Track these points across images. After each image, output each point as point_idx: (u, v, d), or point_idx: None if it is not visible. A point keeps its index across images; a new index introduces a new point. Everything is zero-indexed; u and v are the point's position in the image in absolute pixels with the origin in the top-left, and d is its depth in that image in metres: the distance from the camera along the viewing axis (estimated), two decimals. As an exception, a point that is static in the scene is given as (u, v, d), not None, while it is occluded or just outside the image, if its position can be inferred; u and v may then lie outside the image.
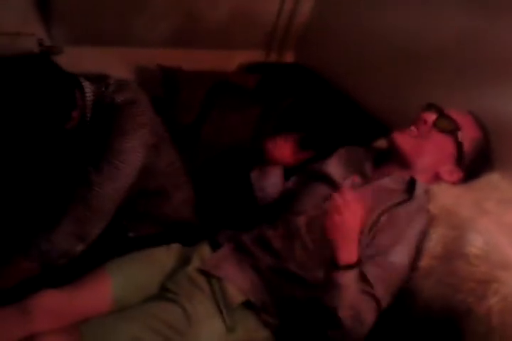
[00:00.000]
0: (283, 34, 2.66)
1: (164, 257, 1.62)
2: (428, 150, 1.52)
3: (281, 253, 1.50)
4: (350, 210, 1.28)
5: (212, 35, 2.48)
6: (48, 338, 1.34)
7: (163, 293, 1.50)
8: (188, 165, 1.98)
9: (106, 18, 2.24)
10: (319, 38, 2.58)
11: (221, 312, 1.45)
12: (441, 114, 1.54)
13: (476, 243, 1.35)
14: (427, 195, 1.51)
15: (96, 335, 1.35)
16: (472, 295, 1.30)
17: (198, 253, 1.59)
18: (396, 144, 1.55)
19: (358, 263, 1.31)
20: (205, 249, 1.62)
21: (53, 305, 1.40)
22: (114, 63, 2.31)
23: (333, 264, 1.31)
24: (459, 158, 1.53)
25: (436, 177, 1.55)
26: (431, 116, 1.54)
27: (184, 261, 1.59)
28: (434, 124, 1.53)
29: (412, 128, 1.55)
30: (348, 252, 1.30)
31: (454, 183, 1.55)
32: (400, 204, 1.48)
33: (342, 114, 2.16)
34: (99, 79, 1.63)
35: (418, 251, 1.44)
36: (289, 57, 2.77)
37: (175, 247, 1.67)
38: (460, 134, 1.52)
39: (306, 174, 1.76)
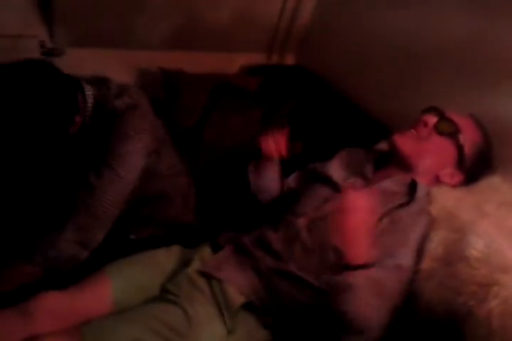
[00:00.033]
0: (284, 36, 2.67)
1: (165, 259, 1.63)
2: (429, 153, 1.53)
3: (282, 254, 1.50)
4: (357, 210, 1.27)
5: (213, 37, 2.48)
6: (49, 340, 1.34)
7: (164, 294, 1.50)
8: (190, 168, 1.98)
9: (107, 21, 2.25)
10: (320, 40, 2.59)
11: (222, 314, 1.45)
12: (442, 117, 1.54)
13: (476, 246, 1.34)
14: (428, 198, 1.51)
15: (97, 337, 1.35)
16: (473, 298, 1.29)
17: (198, 255, 1.59)
18: (396, 146, 1.55)
19: (369, 264, 1.30)
20: (205, 251, 1.62)
21: (54, 307, 1.41)
22: (116, 65, 2.31)
23: (343, 265, 1.30)
24: (460, 161, 1.53)
25: (437, 180, 1.55)
26: (432, 119, 1.54)
27: (185, 262, 1.59)
28: (435, 127, 1.53)
29: (413, 130, 1.55)
30: (357, 252, 1.29)
31: (454, 186, 1.55)
32: (401, 206, 1.48)
33: (343, 116, 2.16)
34: (100, 83, 1.64)
35: (419, 254, 1.44)
36: (290, 60, 2.77)
37: (175, 249, 1.67)
38: (461, 137, 1.52)
39: (307, 174, 1.77)
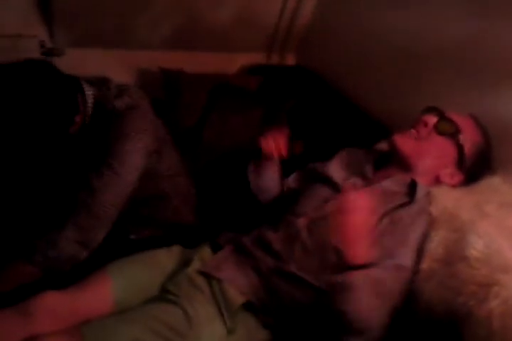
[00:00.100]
0: (284, 36, 2.67)
1: (165, 259, 1.62)
2: (429, 153, 1.53)
3: (282, 254, 1.50)
4: (357, 209, 1.27)
5: (213, 37, 2.49)
6: (49, 339, 1.34)
7: (164, 294, 1.50)
8: (190, 168, 1.98)
9: (107, 21, 2.25)
10: (321, 40, 2.59)
11: (222, 314, 1.45)
12: (443, 117, 1.54)
13: (476, 246, 1.34)
14: (428, 198, 1.51)
15: (97, 337, 1.35)
16: (473, 298, 1.29)
17: (198, 255, 1.59)
18: (396, 146, 1.55)
19: (369, 264, 1.30)
20: (205, 251, 1.62)
21: (55, 307, 1.41)
22: (116, 65, 2.31)
23: (343, 265, 1.30)
24: (460, 161, 1.53)
25: (437, 180, 1.55)
26: (432, 119, 1.54)
27: (185, 262, 1.59)
28: (435, 127, 1.53)
29: (413, 130, 1.55)
30: (357, 252, 1.29)
31: (454, 186, 1.55)
32: (401, 206, 1.48)
33: (343, 115, 2.16)
34: (100, 83, 1.64)
35: (419, 254, 1.44)
36: (290, 60, 2.77)
37: (175, 249, 1.67)
38: (461, 137, 1.52)
39: (307, 174, 1.77)
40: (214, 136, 2.27)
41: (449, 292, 1.36)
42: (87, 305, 1.47)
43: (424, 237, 1.45)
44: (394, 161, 1.58)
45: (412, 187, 1.51)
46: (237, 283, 1.50)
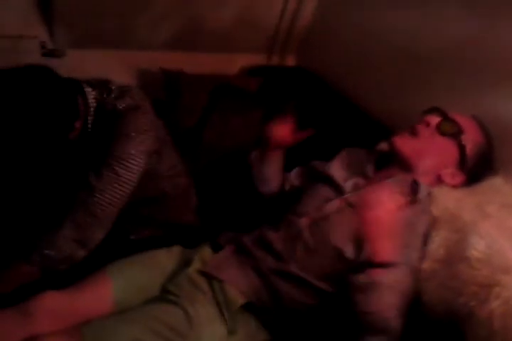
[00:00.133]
0: (285, 37, 2.67)
1: (165, 259, 1.62)
2: (430, 153, 1.53)
3: (283, 254, 1.50)
4: (383, 206, 1.27)
5: (214, 38, 2.48)
6: (49, 339, 1.34)
7: (164, 295, 1.50)
8: (190, 168, 1.98)
9: (108, 21, 2.25)
10: (321, 42, 2.59)
11: (222, 314, 1.45)
12: (445, 118, 1.54)
13: (478, 246, 1.34)
14: (429, 198, 1.51)
15: (97, 337, 1.35)
16: (474, 298, 1.30)
17: (199, 255, 1.59)
18: (396, 148, 1.55)
19: (393, 262, 1.30)
20: (206, 251, 1.62)
21: (54, 307, 1.41)
22: (117, 66, 2.31)
23: (369, 263, 1.30)
24: (462, 162, 1.53)
25: (438, 180, 1.55)
26: (434, 119, 1.54)
27: (185, 263, 1.59)
28: (438, 127, 1.53)
29: (413, 130, 1.55)
30: (386, 249, 1.29)
31: (455, 186, 1.55)
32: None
33: (344, 116, 2.16)
34: (101, 85, 1.63)
35: (421, 254, 1.44)
36: (290, 61, 2.77)
37: (176, 249, 1.67)
38: (463, 138, 1.52)
39: (309, 172, 1.77)
40: (214, 137, 2.27)
41: (450, 292, 1.36)
42: (87, 305, 1.47)
43: (426, 237, 1.45)
44: (395, 162, 1.58)
45: (414, 187, 1.51)
46: (238, 283, 1.50)
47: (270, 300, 1.49)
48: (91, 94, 1.59)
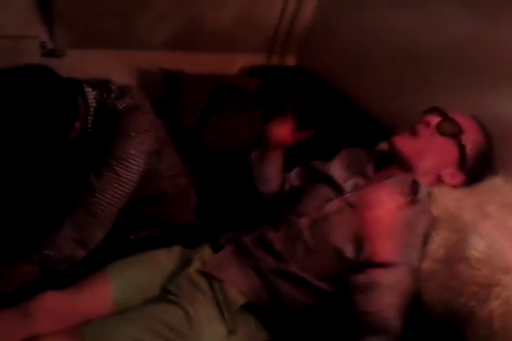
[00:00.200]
0: (285, 37, 2.67)
1: (165, 259, 1.62)
2: (430, 153, 1.53)
3: (283, 254, 1.50)
4: (383, 206, 1.26)
5: (214, 38, 2.48)
6: (49, 339, 1.34)
7: (164, 295, 1.50)
8: (190, 169, 1.98)
9: (108, 21, 2.25)
10: (321, 42, 2.59)
11: (222, 314, 1.45)
12: (445, 118, 1.54)
13: (478, 246, 1.34)
14: (429, 198, 1.50)
15: (97, 337, 1.35)
16: (474, 298, 1.30)
17: (199, 255, 1.59)
18: (396, 148, 1.55)
19: (393, 262, 1.30)
20: (206, 251, 1.62)
21: (54, 307, 1.41)
22: (117, 66, 2.31)
23: (369, 263, 1.30)
24: (462, 162, 1.53)
25: (438, 180, 1.55)
26: (434, 119, 1.54)
27: (185, 263, 1.59)
28: (438, 127, 1.53)
29: (413, 130, 1.55)
30: (387, 249, 1.29)
31: (455, 186, 1.54)
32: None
33: (344, 116, 2.16)
34: (101, 85, 1.63)
35: (421, 254, 1.43)
36: (290, 61, 2.77)
37: (176, 249, 1.67)
38: (463, 138, 1.52)
39: (309, 172, 1.77)
40: (214, 137, 2.27)
41: (450, 292, 1.36)
42: (87, 305, 1.47)
43: (426, 237, 1.45)
44: (395, 162, 1.58)
45: (414, 187, 1.51)
46: (238, 283, 1.50)
47: (270, 300, 1.49)
48: (91, 94, 1.59)
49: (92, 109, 1.59)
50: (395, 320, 1.30)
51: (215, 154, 2.25)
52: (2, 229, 1.73)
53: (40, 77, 1.47)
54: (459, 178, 1.55)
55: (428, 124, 1.54)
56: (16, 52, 2.14)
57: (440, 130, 1.53)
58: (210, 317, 1.44)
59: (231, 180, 2.09)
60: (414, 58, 2.02)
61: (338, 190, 1.57)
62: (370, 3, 2.27)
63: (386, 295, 1.29)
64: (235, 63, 2.62)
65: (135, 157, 1.57)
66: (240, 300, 1.47)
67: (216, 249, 1.62)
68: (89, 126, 1.60)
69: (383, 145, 1.73)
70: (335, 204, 1.53)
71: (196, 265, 1.55)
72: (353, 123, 2.11)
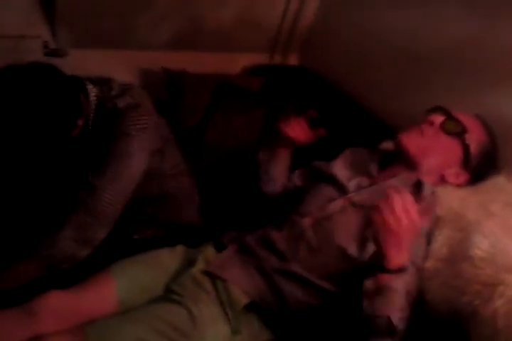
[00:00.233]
0: (287, 37, 2.67)
1: (168, 259, 1.63)
2: (434, 152, 1.52)
3: (286, 254, 1.50)
4: (409, 216, 1.24)
5: (216, 37, 2.48)
6: (53, 339, 1.34)
7: (168, 294, 1.50)
8: (193, 168, 1.98)
9: (110, 21, 2.25)
10: (323, 41, 2.59)
11: (226, 314, 1.45)
12: (449, 117, 1.54)
13: (481, 245, 1.34)
14: (433, 197, 1.50)
15: (100, 336, 1.35)
16: (478, 297, 1.29)
17: (202, 255, 1.59)
18: (402, 145, 1.55)
19: (406, 267, 1.29)
20: (209, 251, 1.62)
21: (59, 306, 1.41)
22: (119, 66, 2.31)
23: (380, 268, 1.29)
24: (466, 161, 1.53)
25: (442, 180, 1.55)
26: (438, 119, 1.54)
27: (189, 262, 1.59)
28: (442, 126, 1.53)
29: (418, 129, 1.55)
30: (400, 256, 1.27)
31: (459, 186, 1.54)
32: None
33: (346, 116, 2.16)
34: (103, 83, 1.63)
35: (424, 253, 1.43)
36: (293, 60, 2.77)
37: (179, 249, 1.67)
38: (467, 137, 1.52)
39: (311, 172, 1.77)
40: (217, 137, 2.27)
41: (453, 291, 1.36)
42: (91, 305, 1.48)
43: (429, 236, 1.45)
44: (399, 160, 1.58)
45: (418, 186, 1.51)
46: (241, 283, 1.50)
47: (273, 299, 1.49)
48: (92, 91, 1.59)
49: (93, 106, 1.58)
50: (401, 323, 1.30)
51: (218, 154, 2.25)
52: (5, 227, 1.73)
53: (43, 74, 1.47)
54: (463, 177, 1.55)
55: (432, 123, 1.54)
56: (19, 52, 2.14)
57: (444, 129, 1.52)
58: (214, 317, 1.44)
59: (234, 179, 2.09)
60: (415, 58, 2.02)
61: (342, 189, 1.57)
62: (371, 4, 2.27)
63: (394, 299, 1.29)
64: (237, 63, 2.62)
65: (135, 156, 1.56)
66: (243, 300, 1.47)
67: (219, 248, 1.62)
68: (90, 123, 1.60)
69: (387, 145, 1.73)
70: (338, 203, 1.53)
71: (200, 265, 1.55)
72: (356, 122, 2.11)
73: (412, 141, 1.53)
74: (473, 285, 1.31)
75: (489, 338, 1.24)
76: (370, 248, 1.40)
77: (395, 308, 1.29)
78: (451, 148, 1.53)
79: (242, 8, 2.42)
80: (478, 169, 1.55)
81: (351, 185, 1.57)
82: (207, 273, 1.53)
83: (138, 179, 1.60)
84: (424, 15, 2.00)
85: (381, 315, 1.29)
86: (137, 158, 1.57)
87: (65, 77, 1.52)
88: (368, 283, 1.31)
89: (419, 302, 1.40)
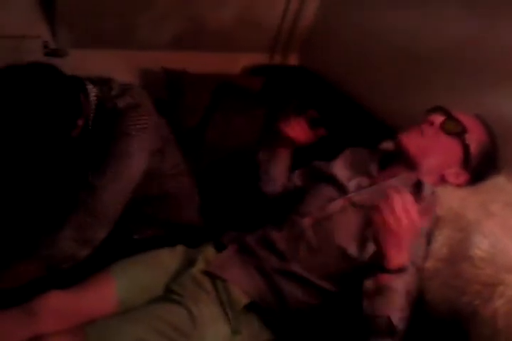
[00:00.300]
0: (287, 37, 2.67)
1: (168, 259, 1.63)
2: (434, 152, 1.52)
3: (286, 254, 1.50)
4: (409, 216, 1.24)
5: (216, 37, 2.49)
6: (53, 339, 1.34)
7: (168, 294, 1.50)
8: (193, 168, 1.98)
9: (110, 21, 2.25)
10: (323, 41, 2.59)
11: (226, 314, 1.45)
12: (449, 117, 1.54)
13: (481, 245, 1.34)
14: (433, 197, 1.50)
15: (100, 336, 1.35)
16: (478, 297, 1.29)
17: (202, 255, 1.59)
18: (402, 145, 1.55)
19: (406, 267, 1.29)
20: (209, 251, 1.62)
21: (59, 307, 1.41)
22: (119, 66, 2.31)
23: (380, 268, 1.29)
24: (466, 161, 1.53)
25: (442, 180, 1.55)
26: (438, 119, 1.54)
27: (189, 262, 1.59)
28: (442, 126, 1.53)
29: (418, 129, 1.55)
30: (400, 256, 1.28)
31: (459, 186, 1.54)
32: None
33: (346, 116, 2.16)
34: (103, 83, 1.63)
35: (424, 253, 1.43)
36: (293, 60, 2.77)
37: (179, 249, 1.67)
38: (467, 137, 1.52)
39: (311, 172, 1.77)
40: (217, 137, 2.27)
41: (453, 291, 1.36)
42: (91, 305, 1.48)
43: (429, 236, 1.45)
44: (399, 160, 1.57)
45: (418, 186, 1.51)
46: (241, 283, 1.50)
47: (274, 299, 1.49)
48: (92, 91, 1.59)
49: (93, 106, 1.58)
50: (401, 323, 1.30)
51: (218, 154, 2.25)
52: (5, 227, 1.73)
53: (43, 74, 1.47)
54: (463, 177, 1.55)
55: (432, 123, 1.53)
56: (19, 52, 2.14)
57: (444, 129, 1.52)
58: (214, 317, 1.44)
59: (234, 179, 2.09)
60: (415, 58, 2.02)
61: (342, 189, 1.57)
62: (371, 4, 2.27)
63: (394, 299, 1.29)
64: (237, 63, 2.62)
65: (135, 155, 1.57)
66: (243, 300, 1.47)
67: (219, 248, 1.62)
68: (90, 123, 1.60)
69: (386, 144, 1.73)
70: (338, 203, 1.53)
71: (200, 265, 1.55)
72: (356, 122, 2.11)
73: (412, 141, 1.53)
74: (473, 285, 1.31)
75: (489, 338, 1.24)
76: (370, 248, 1.40)
77: (395, 308, 1.29)
78: (451, 148, 1.53)
79: (242, 8, 2.42)
80: (478, 169, 1.55)
81: (351, 185, 1.57)
82: (207, 273, 1.53)
83: (138, 179, 1.60)
84: (424, 15, 2.00)
85: (381, 315, 1.29)
86: (137, 158, 1.57)
87: (65, 77, 1.52)
88: (368, 283, 1.31)
89: (419, 302, 1.40)
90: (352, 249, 1.44)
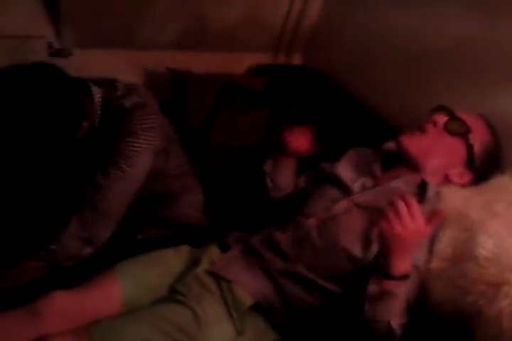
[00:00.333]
0: (291, 37, 2.67)
1: (173, 259, 1.62)
2: (438, 153, 1.51)
3: (291, 255, 1.50)
4: (415, 222, 1.25)
5: (220, 37, 2.49)
6: (57, 339, 1.34)
7: (173, 295, 1.50)
8: (197, 168, 1.98)
9: (115, 21, 2.25)
10: (327, 41, 2.59)
11: (230, 315, 1.45)
12: (453, 116, 1.53)
13: (486, 245, 1.33)
14: (437, 197, 1.49)
15: (105, 337, 1.35)
16: (482, 297, 1.29)
17: (207, 255, 1.59)
18: (404, 147, 1.54)
19: (409, 273, 1.30)
20: (214, 251, 1.62)
21: (63, 307, 1.41)
22: (123, 66, 2.32)
23: (385, 274, 1.30)
24: (469, 161, 1.52)
25: (446, 180, 1.54)
26: (442, 118, 1.53)
27: (193, 262, 1.59)
28: (445, 126, 1.52)
29: (421, 129, 1.54)
30: (405, 263, 1.29)
31: (463, 186, 1.54)
32: None
33: (350, 116, 2.16)
34: (108, 84, 1.64)
35: (430, 254, 1.43)
36: (297, 60, 2.77)
37: (184, 249, 1.67)
38: (471, 137, 1.51)
39: (317, 175, 1.76)
40: (221, 137, 2.27)
41: (457, 291, 1.36)
42: (96, 305, 1.47)
43: (434, 237, 1.44)
44: (402, 161, 1.57)
45: (422, 187, 1.50)
46: (246, 284, 1.50)
47: (278, 300, 1.49)
48: (97, 92, 1.59)
49: (98, 108, 1.59)
50: (399, 329, 1.31)
51: (222, 154, 2.25)
52: (10, 226, 1.73)
53: (47, 76, 1.47)
54: (467, 177, 1.54)
55: (435, 123, 1.53)
56: (23, 52, 2.14)
57: (448, 129, 1.51)
58: (218, 317, 1.44)
59: (238, 179, 2.09)
60: (418, 58, 2.02)
61: (346, 190, 1.56)
62: (374, 4, 2.27)
63: (395, 305, 1.30)
64: (241, 62, 2.63)
65: (141, 154, 1.57)
66: (248, 301, 1.47)
67: (224, 248, 1.62)
68: (96, 123, 1.60)
69: (390, 145, 1.72)
70: (343, 204, 1.52)
71: (204, 265, 1.55)
72: (360, 122, 2.10)
73: (413, 143, 1.53)
74: (478, 285, 1.31)
75: (494, 338, 1.24)
76: (375, 249, 1.41)
77: (396, 314, 1.31)
78: (454, 149, 1.52)
79: (246, 8, 2.42)
80: (482, 169, 1.54)
81: (356, 186, 1.57)
82: (211, 273, 1.53)
83: (142, 179, 1.61)
84: (425, 15, 2.00)
85: (382, 320, 1.31)
86: (142, 157, 1.57)
87: (69, 78, 1.52)
88: (372, 288, 1.32)
89: (422, 302, 1.40)
90: (356, 250, 1.43)
